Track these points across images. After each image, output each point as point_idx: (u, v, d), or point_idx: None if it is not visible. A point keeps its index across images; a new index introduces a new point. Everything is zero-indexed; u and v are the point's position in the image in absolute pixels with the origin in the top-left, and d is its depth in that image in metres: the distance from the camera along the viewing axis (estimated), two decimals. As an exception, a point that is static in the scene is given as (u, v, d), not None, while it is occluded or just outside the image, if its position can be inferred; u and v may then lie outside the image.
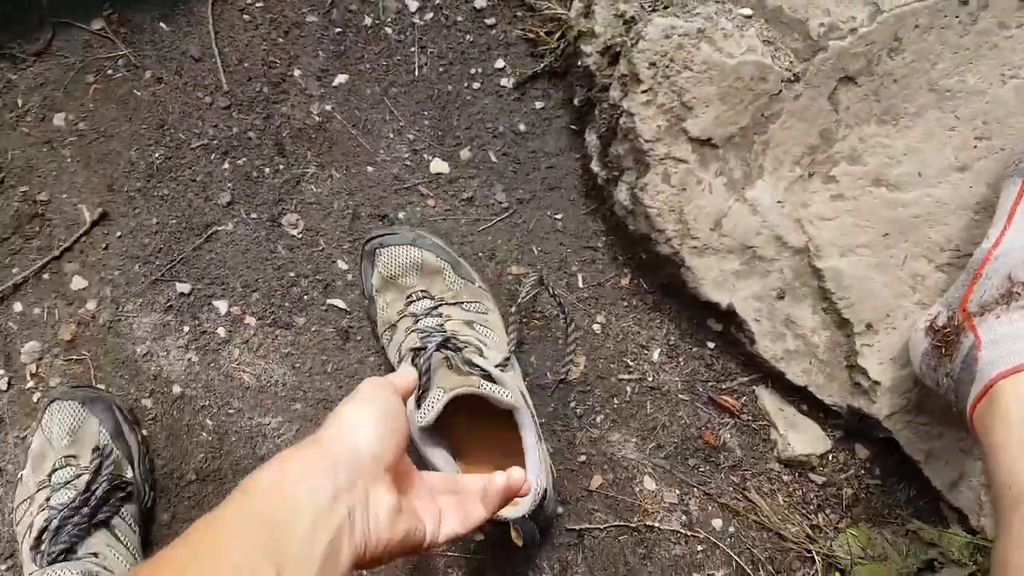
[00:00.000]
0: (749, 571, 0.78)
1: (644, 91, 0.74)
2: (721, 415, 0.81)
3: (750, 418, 0.81)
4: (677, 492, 0.80)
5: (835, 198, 0.74)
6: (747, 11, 0.74)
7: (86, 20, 0.88)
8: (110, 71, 0.87)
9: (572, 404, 0.81)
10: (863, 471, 0.80)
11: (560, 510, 0.79)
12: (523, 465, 0.71)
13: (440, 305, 0.76)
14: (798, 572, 0.78)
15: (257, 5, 0.90)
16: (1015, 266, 0.59)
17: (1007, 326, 0.58)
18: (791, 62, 0.73)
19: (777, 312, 0.77)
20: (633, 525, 0.79)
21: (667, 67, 0.73)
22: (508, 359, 0.74)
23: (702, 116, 0.73)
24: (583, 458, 0.80)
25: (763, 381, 0.81)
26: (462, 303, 0.77)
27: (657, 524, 0.79)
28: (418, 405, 0.69)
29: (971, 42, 0.70)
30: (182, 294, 0.83)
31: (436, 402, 0.68)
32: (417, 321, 0.76)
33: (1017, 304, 0.58)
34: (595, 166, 0.82)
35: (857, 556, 0.76)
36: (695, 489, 0.80)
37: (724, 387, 0.81)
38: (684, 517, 0.79)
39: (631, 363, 0.82)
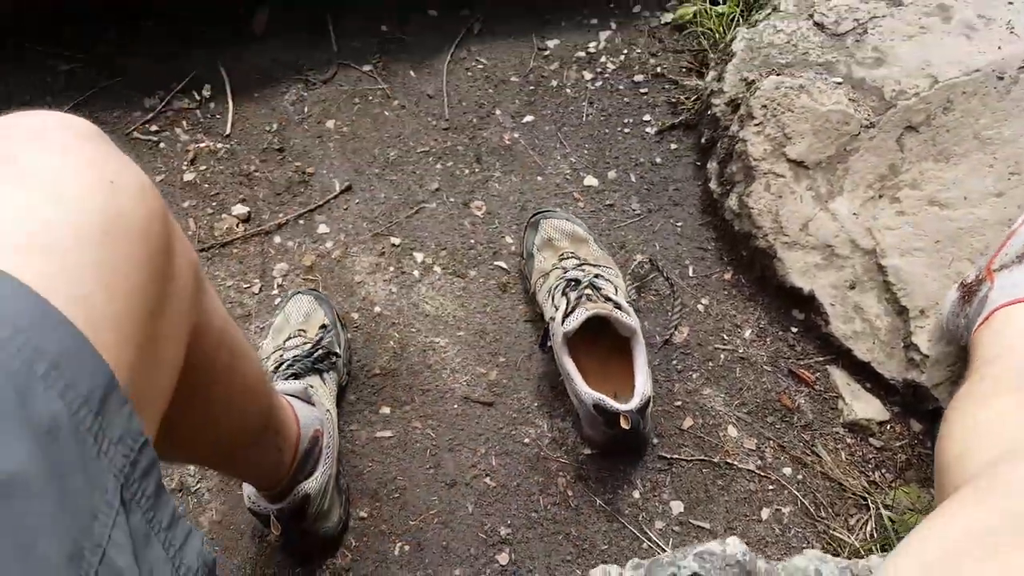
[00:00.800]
0: (812, 510, 0.92)
1: (756, 124, 1.01)
2: (798, 384, 0.99)
3: (822, 389, 0.99)
4: (755, 441, 0.97)
5: (898, 214, 0.96)
6: (838, 79, 1.02)
7: (360, 64, 1.27)
8: (370, 98, 1.24)
9: (674, 362, 1.02)
10: (916, 442, 0.94)
11: (655, 441, 0.98)
12: (632, 385, 0.92)
13: (584, 264, 1.02)
14: (855, 516, 0.92)
15: (478, 66, 1.26)
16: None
17: (1018, 275, 0.77)
18: (868, 114, 0.99)
19: (848, 299, 0.97)
20: (715, 461, 0.96)
21: (775, 108, 1.00)
22: (631, 302, 0.97)
23: (798, 144, 0.99)
24: (679, 403, 1.00)
25: (835, 361, 0.99)
26: (600, 266, 1.02)
27: (736, 463, 0.96)
28: (563, 320, 0.93)
29: (1006, 105, 0.94)
30: (393, 245, 1.12)
31: (579, 317, 0.91)
32: (566, 272, 1.01)
33: None
34: (713, 184, 1.08)
35: (907, 507, 0.90)
36: (771, 441, 0.97)
37: (802, 363, 1.00)
38: (759, 461, 0.96)
39: (726, 337, 1.03)
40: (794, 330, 1.02)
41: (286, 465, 0.82)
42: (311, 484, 0.83)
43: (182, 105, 1.29)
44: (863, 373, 0.97)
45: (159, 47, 1.34)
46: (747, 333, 1.03)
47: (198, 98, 1.29)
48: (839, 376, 0.98)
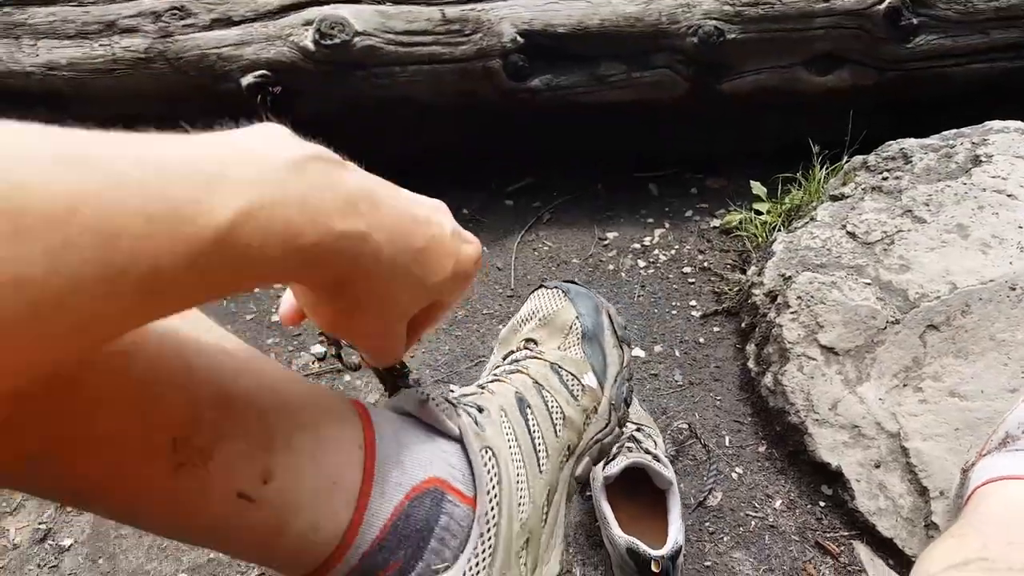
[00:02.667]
0: None
1: (791, 312, 1.12)
2: (823, 556, 1.02)
3: (847, 562, 1.01)
4: (782, 610, 0.99)
5: (921, 402, 1.04)
6: (867, 280, 1.14)
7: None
8: (447, 263, 1.41)
9: (706, 523, 1.07)
10: (945, 628, 0.95)
11: (684, 600, 1.00)
12: (665, 531, 0.97)
13: (629, 422, 1.10)
14: None
15: (544, 248, 1.43)
16: (1011, 426, 0.88)
17: (997, 459, 0.85)
18: (894, 312, 1.10)
19: (873, 477, 1.02)
20: (742, 628, 0.98)
21: (808, 300, 1.12)
22: (668, 457, 1.04)
23: (829, 333, 1.10)
24: (708, 563, 1.03)
25: (860, 536, 1.02)
26: (642, 425, 1.10)
27: (762, 632, 0.97)
28: (604, 466, 1.01)
29: (1018, 312, 1.04)
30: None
31: (619, 464, 0.99)
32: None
33: (1007, 449, 0.85)
34: (751, 364, 1.18)
35: None
36: (797, 612, 0.98)
37: (828, 536, 1.04)
38: (785, 632, 0.97)
39: (757, 505, 1.08)
40: (822, 504, 1.07)
41: (325, 533, 0.42)
42: None
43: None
44: (886, 549, 1.00)
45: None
46: (777, 503, 1.08)
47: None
48: (863, 551, 1.01)
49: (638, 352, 1.26)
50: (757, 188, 1.43)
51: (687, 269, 1.37)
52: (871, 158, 1.28)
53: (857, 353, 1.08)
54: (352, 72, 1.43)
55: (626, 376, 0.74)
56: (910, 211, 1.17)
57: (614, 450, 1.02)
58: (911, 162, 1.23)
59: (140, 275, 0.26)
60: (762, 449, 1.13)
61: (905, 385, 1.05)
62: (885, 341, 1.08)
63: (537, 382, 0.62)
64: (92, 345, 0.28)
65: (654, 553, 0.93)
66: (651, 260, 1.40)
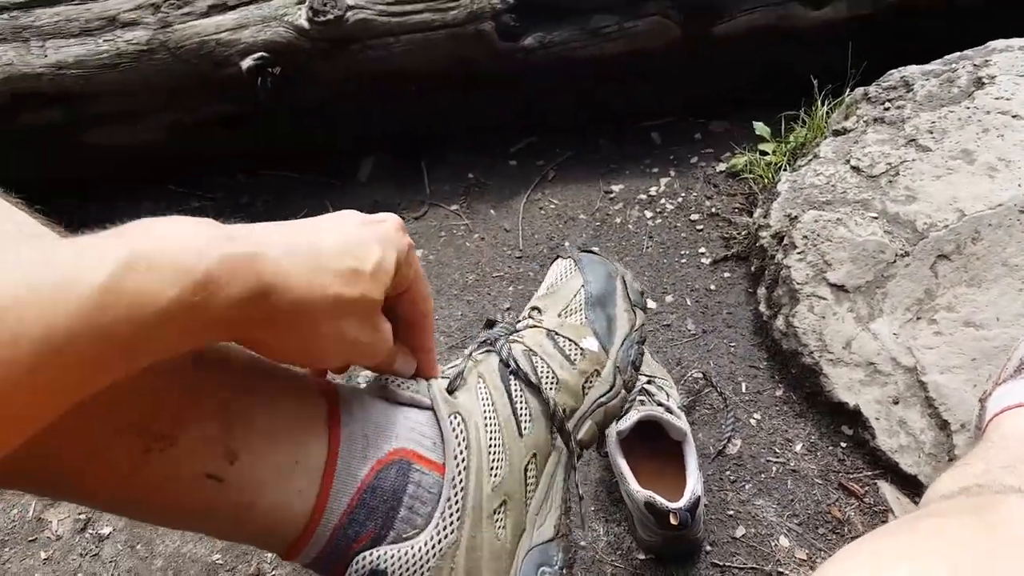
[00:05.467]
0: (864, 621, 0.93)
1: (798, 252, 1.11)
2: (848, 497, 1.03)
3: (872, 502, 1.01)
4: (806, 551, 1.00)
5: (936, 334, 1.03)
6: (873, 214, 1.12)
7: (448, 205, 1.45)
8: (454, 231, 1.41)
9: (727, 472, 1.07)
10: (969, 556, 0.95)
11: (708, 548, 1.02)
12: (684, 483, 0.98)
13: (640, 374, 1.11)
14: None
15: (550, 206, 1.42)
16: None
17: (1012, 386, 0.85)
18: (903, 244, 1.08)
19: (893, 414, 1.02)
20: (767, 570, 0.99)
21: (815, 238, 1.11)
22: (682, 408, 1.05)
23: (838, 270, 1.09)
24: (731, 512, 1.04)
25: (884, 475, 1.03)
26: (655, 377, 1.11)
27: (787, 572, 0.98)
28: (616, 422, 1.01)
29: (1032, 235, 1.02)
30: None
31: (632, 418, 1.00)
32: (624, 381, 1.10)
33: (1022, 375, 0.84)
34: (762, 307, 1.17)
35: None
36: (822, 552, 0.99)
37: (852, 476, 1.04)
38: (810, 571, 0.98)
39: (777, 451, 1.08)
40: (843, 445, 1.07)
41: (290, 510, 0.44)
42: (380, 552, 0.45)
43: (292, 237, 1.48)
44: (911, 486, 1.00)
45: (278, 190, 1.57)
46: (798, 447, 1.08)
47: (307, 232, 1.49)
48: (888, 490, 1.01)
49: (650, 304, 1.26)
50: (760, 128, 1.41)
51: (695, 216, 1.35)
52: (872, 89, 1.25)
53: (867, 289, 1.07)
54: (347, 47, 1.42)
55: (636, 339, 0.74)
56: (914, 140, 1.15)
57: (626, 405, 1.02)
58: (912, 90, 1.20)
59: (34, 342, 0.27)
60: (779, 393, 1.13)
61: (919, 318, 1.04)
62: (895, 275, 1.07)
63: (530, 349, 0.62)
64: (46, 417, 0.30)
65: (672, 506, 0.94)
66: (658, 210, 1.39)
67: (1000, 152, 1.09)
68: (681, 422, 1.00)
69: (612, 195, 1.44)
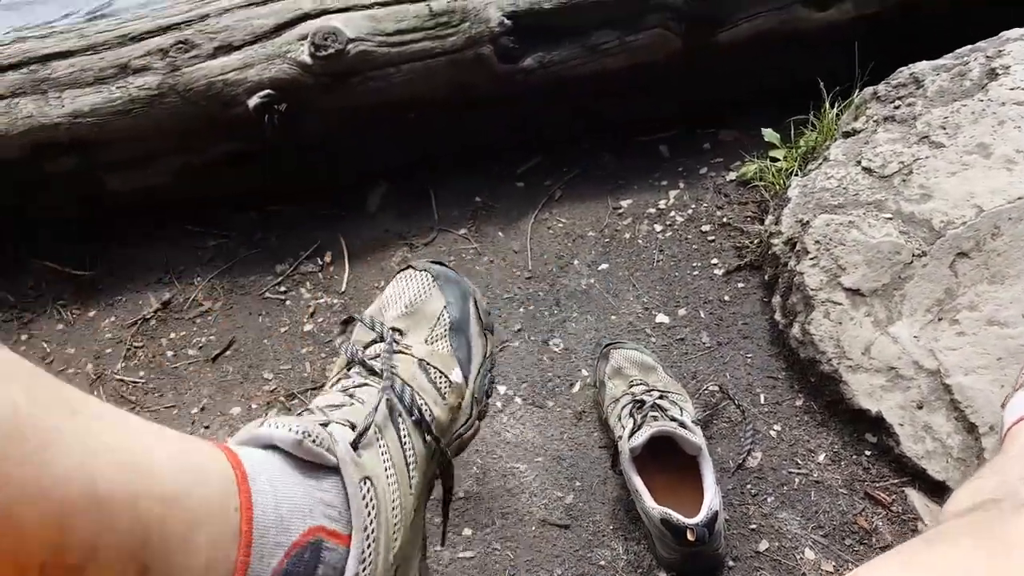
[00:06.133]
0: (899, 639, 0.88)
1: (811, 258, 1.08)
2: (875, 506, 0.98)
3: (900, 511, 0.97)
4: (833, 564, 0.95)
5: (959, 335, 0.99)
6: (887, 215, 1.09)
7: (457, 229, 1.45)
8: (464, 255, 1.40)
9: (748, 486, 1.04)
10: (1008, 566, 0.90)
11: (730, 564, 0.98)
12: (700, 502, 0.95)
13: (652, 389, 1.08)
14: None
15: (558, 225, 1.41)
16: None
17: None
18: (919, 243, 1.05)
19: (917, 419, 0.98)
20: (794, 587, 0.95)
21: (827, 243, 1.08)
22: (696, 422, 1.01)
23: (853, 274, 1.05)
24: (753, 527, 1.00)
25: (912, 483, 0.98)
26: (668, 392, 1.08)
27: (815, 589, 0.94)
28: (629, 438, 0.99)
29: (1053, 227, 0.98)
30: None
31: (644, 435, 0.97)
32: (635, 397, 1.07)
33: None
34: (778, 316, 1.14)
35: None
36: (849, 563, 0.95)
37: (878, 485, 1.00)
38: (840, 587, 0.94)
39: (800, 462, 1.04)
40: (868, 453, 1.02)
41: None
42: None
43: (307, 269, 1.49)
44: (940, 493, 0.95)
45: (288, 225, 1.58)
46: (821, 457, 1.04)
47: (320, 263, 1.49)
48: (916, 497, 0.97)
49: (662, 318, 1.23)
50: (769, 135, 1.38)
51: (706, 227, 1.33)
52: (881, 88, 1.22)
53: (884, 292, 1.04)
54: (348, 79, 1.43)
55: (488, 367, 0.73)
56: (926, 137, 1.12)
57: (638, 420, 0.99)
58: (923, 86, 1.17)
59: None
60: (799, 403, 1.09)
61: (940, 319, 1.00)
62: (913, 276, 1.03)
63: (404, 382, 0.60)
64: None
65: (689, 521, 0.91)
66: (668, 223, 1.37)
67: (1018, 144, 1.05)
68: (696, 436, 0.97)
69: (621, 211, 1.42)
